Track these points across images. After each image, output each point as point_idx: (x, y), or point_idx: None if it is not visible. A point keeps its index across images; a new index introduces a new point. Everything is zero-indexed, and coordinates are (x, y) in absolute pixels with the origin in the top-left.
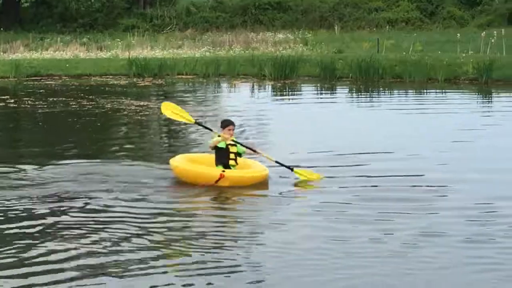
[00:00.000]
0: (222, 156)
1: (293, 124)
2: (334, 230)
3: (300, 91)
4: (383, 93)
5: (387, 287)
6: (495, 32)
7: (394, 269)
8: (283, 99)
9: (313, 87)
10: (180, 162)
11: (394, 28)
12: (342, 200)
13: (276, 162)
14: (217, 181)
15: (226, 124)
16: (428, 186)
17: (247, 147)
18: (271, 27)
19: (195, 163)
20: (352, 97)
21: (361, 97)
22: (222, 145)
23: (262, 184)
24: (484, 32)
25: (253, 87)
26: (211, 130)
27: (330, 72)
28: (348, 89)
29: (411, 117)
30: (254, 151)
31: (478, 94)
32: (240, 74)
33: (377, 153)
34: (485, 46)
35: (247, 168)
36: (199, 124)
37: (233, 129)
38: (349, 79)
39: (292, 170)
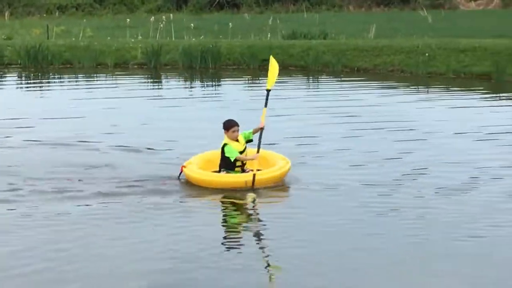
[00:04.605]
0: (228, 165)
1: None
2: None
3: None
4: (52, 79)
5: None
6: (164, 17)
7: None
8: None
9: None
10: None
11: (64, 14)
12: None
13: (263, 110)
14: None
15: (230, 125)
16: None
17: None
18: None
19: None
20: (21, 84)
21: (29, 83)
22: (233, 156)
23: None
24: (153, 17)
25: None
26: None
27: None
28: (17, 76)
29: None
30: (261, 128)
31: (146, 78)
32: None
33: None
34: (154, 31)
35: (268, 164)
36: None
37: (238, 130)
38: (19, 66)
39: (269, 90)
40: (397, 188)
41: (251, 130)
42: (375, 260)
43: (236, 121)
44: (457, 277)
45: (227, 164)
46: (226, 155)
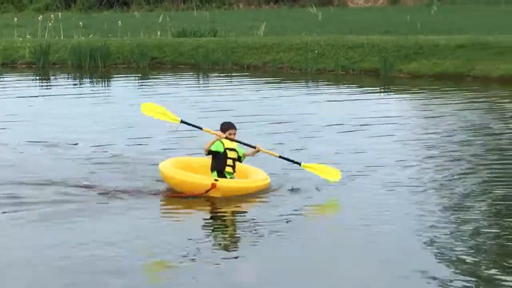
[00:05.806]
0: (219, 162)
1: None
2: None
3: None
4: None
5: None
6: (52, 15)
7: None
8: None
9: None
10: (169, 168)
11: None
12: None
13: (280, 157)
14: (207, 191)
15: (226, 127)
16: None
17: (245, 144)
18: None
19: (186, 169)
20: None
21: None
22: (219, 149)
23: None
24: (41, 16)
25: None
26: (200, 128)
27: None
28: None
29: None
30: (254, 147)
31: (34, 77)
32: None
33: None
34: (43, 30)
35: (246, 176)
36: (186, 123)
37: (235, 134)
38: None
39: (299, 164)
40: (278, 180)
41: (244, 151)
42: (259, 253)
43: (234, 124)
44: (344, 264)
45: (217, 164)
46: (212, 148)
